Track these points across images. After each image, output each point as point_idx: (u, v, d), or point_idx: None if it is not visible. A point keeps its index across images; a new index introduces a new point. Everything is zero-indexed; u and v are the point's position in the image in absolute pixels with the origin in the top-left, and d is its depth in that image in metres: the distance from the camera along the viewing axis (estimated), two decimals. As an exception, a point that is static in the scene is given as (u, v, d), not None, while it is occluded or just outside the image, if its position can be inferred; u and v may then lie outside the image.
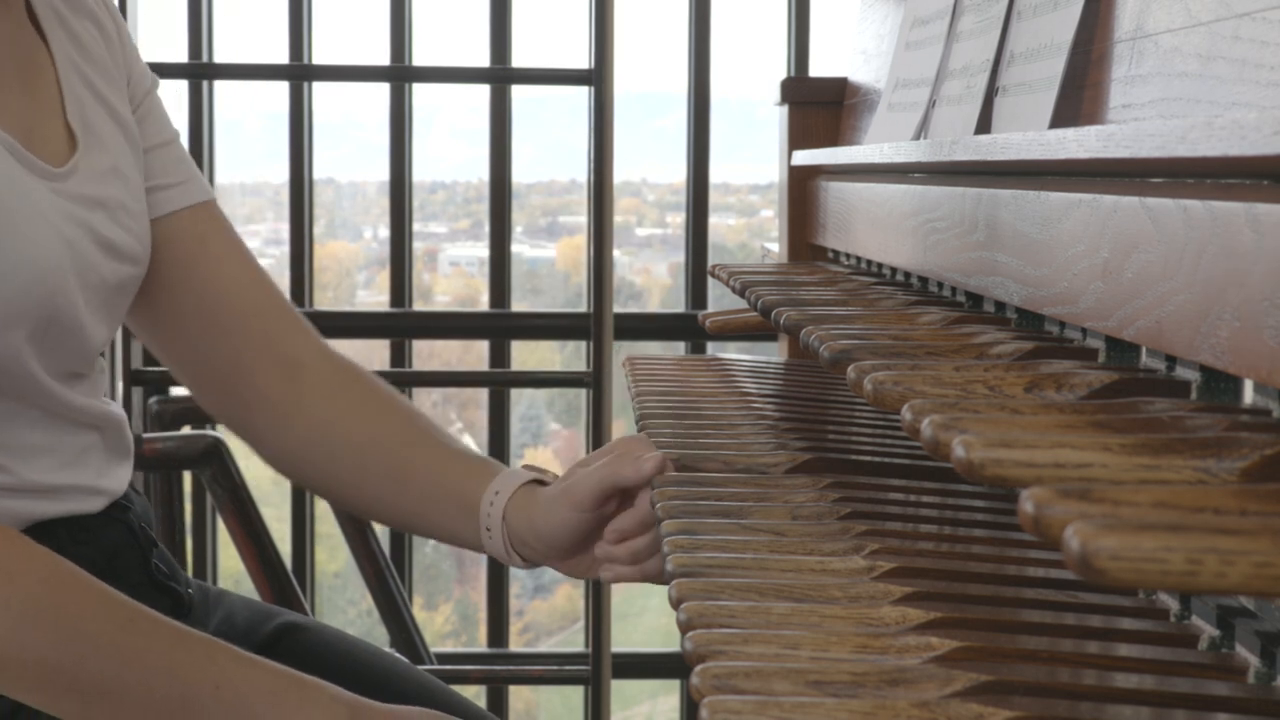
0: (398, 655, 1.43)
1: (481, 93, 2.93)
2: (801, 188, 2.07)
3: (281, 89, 2.90)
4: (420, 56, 2.91)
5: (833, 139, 2.07)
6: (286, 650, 1.33)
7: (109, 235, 1.24)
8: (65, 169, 1.22)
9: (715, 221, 3.03)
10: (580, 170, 2.85)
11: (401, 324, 2.93)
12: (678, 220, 3.21)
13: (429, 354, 3.81)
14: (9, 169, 1.16)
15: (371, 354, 3.56)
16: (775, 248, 2.22)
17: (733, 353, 2.52)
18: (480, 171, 2.95)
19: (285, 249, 2.93)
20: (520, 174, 2.94)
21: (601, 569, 1.28)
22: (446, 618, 5.46)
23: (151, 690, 1.07)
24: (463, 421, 6.08)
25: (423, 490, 1.33)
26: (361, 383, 1.38)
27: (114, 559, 1.22)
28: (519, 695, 3.40)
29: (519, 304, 3.00)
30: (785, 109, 2.15)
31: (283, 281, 2.99)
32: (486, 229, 2.94)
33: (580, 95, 2.82)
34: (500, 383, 2.98)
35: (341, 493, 1.35)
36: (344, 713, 1.11)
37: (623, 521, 1.26)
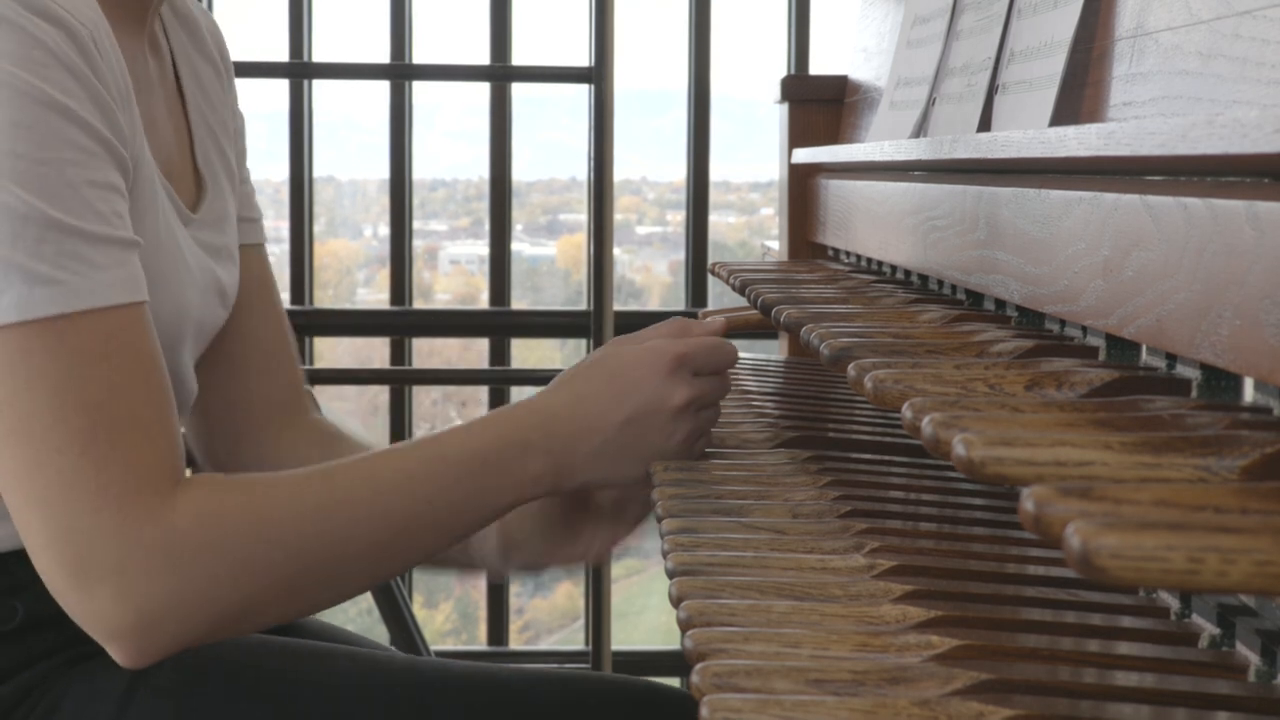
0: (361, 638, 1.44)
1: (482, 90, 2.93)
2: (802, 186, 2.06)
3: (281, 87, 2.90)
4: (420, 54, 2.91)
5: (833, 137, 2.07)
6: None
7: (225, 283, 1.28)
8: (198, 216, 1.24)
9: (715, 219, 3.03)
10: (580, 168, 2.85)
11: (402, 322, 2.93)
12: (678, 218, 3.21)
13: (429, 352, 3.80)
14: (168, 216, 1.18)
15: (372, 352, 3.56)
16: (775, 246, 2.22)
17: (733, 351, 2.51)
18: (480, 169, 2.95)
19: (285, 247, 2.93)
20: (520, 172, 2.94)
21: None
22: (447, 616, 5.45)
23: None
24: (463, 420, 6.06)
25: None
26: (346, 439, 1.42)
27: None
28: (519, 693, 3.40)
29: (519, 302, 3.00)
30: (785, 107, 2.15)
31: (283, 279, 2.99)
32: (487, 227, 2.94)
33: (580, 93, 2.82)
34: (500, 381, 2.98)
35: None
36: (544, 474, 1.13)
37: None
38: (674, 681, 3.16)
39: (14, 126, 0.99)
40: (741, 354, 1.96)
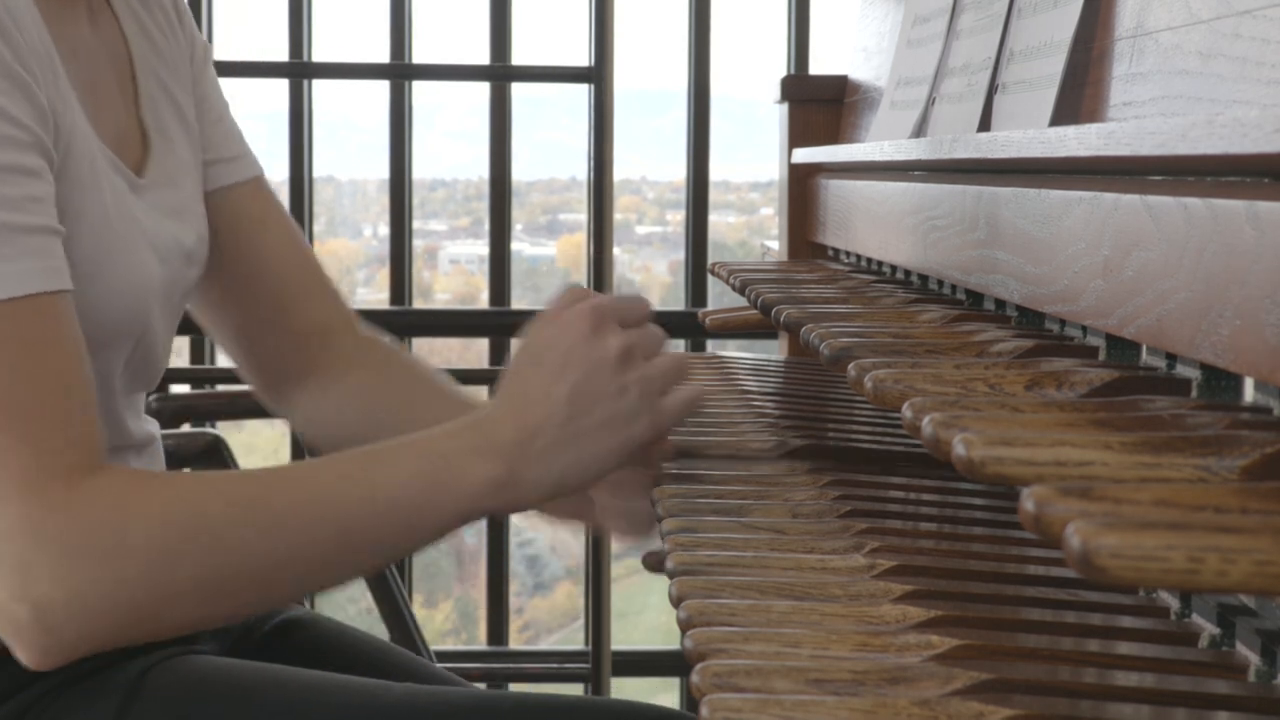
0: (399, 648, 1.42)
1: (482, 90, 2.93)
2: (802, 185, 2.06)
3: (281, 87, 2.90)
4: (420, 54, 2.91)
5: (833, 137, 2.07)
6: (290, 646, 1.32)
7: (187, 244, 1.24)
8: (146, 179, 1.20)
9: (715, 219, 3.03)
10: (580, 168, 2.85)
11: (402, 322, 2.93)
12: (678, 218, 3.21)
13: (429, 352, 3.80)
14: (116, 187, 1.14)
15: (371, 352, 3.55)
16: (775, 245, 2.22)
17: (733, 350, 2.51)
18: (480, 169, 2.95)
19: (285, 247, 2.92)
20: (520, 172, 2.94)
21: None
22: (446, 615, 5.46)
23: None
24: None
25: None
26: (390, 354, 1.40)
27: None
28: (519, 693, 3.40)
29: (519, 302, 3.00)
30: (785, 106, 2.15)
31: (283, 279, 2.99)
32: (486, 227, 2.94)
33: (580, 93, 2.82)
34: (500, 381, 2.97)
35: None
36: (497, 478, 1.04)
37: None
38: (674, 681, 3.16)
39: None
40: (741, 354, 1.96)
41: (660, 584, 0.93)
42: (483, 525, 3.02)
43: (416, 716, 1.12)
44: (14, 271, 0.98)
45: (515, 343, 1.15)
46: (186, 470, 1.06)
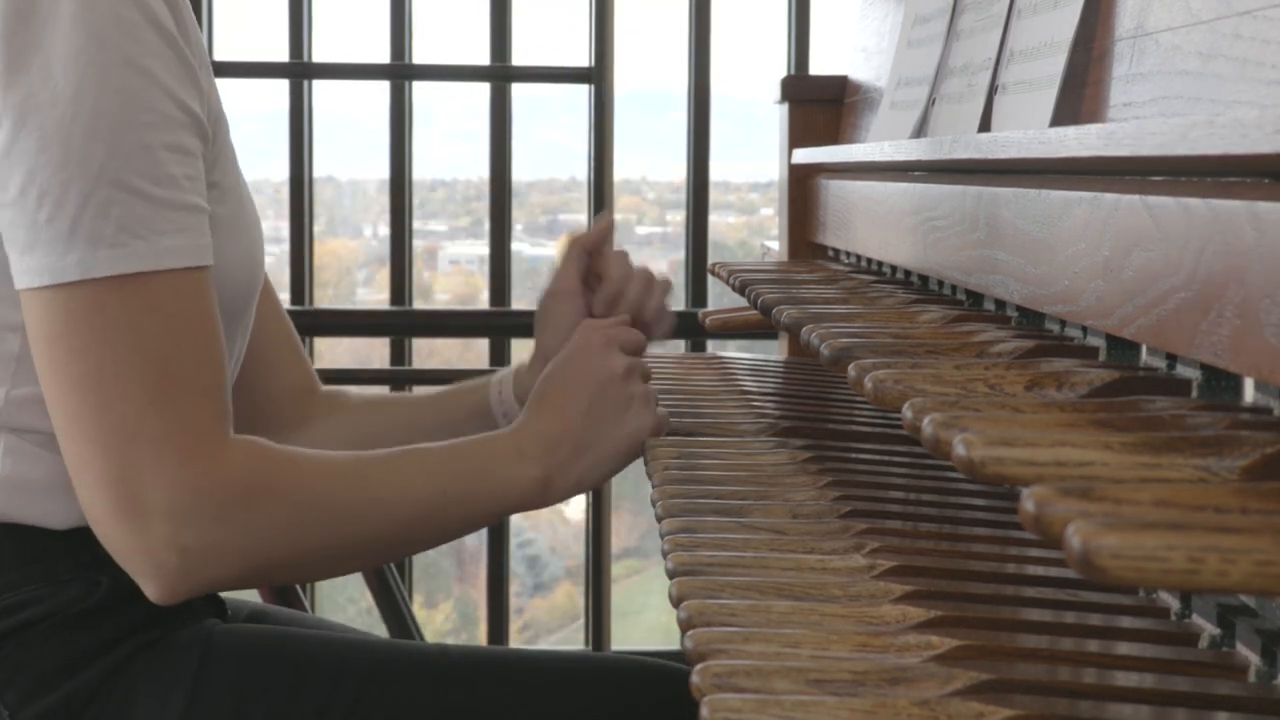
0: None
1: (482, 90, 2.93)
2: (802, 186, 2.06)
3: (281, 87, 2.90)
4: (420, 54, 2.91)
5: (833, 137, 2.07)
6: None
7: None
8: None
9: (715, 219, 3.03)
10: (580, 168, 2.85)
11: (401, 322, 2.93)
12: (678, 218, 3.21)
13: (429, 352, 3.80)
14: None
15: (371, 352, 3.55)
16: (775, 246, 2.22)
17: (733, 350, 2.51)
18: (480, 169, 2.94)
19: (285, 247, 2.93)
20: (520, 172, 2.94)
21: None
22: (446, 616, 5.45)
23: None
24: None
25: (436, 411, 1.48)
26: (356, 396, 1.55)
27: None
28: (519, 693, 3.39)
29: (519, 302, 3.00)
30: (785, 107, 2.15)
31: (283, 279, 2.99)
32: (486, 227, 2.94)
33: (580, 93, 2.82)
34: (500, 381, 2.97)
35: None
36: (538, 478, 1.23)
37: (598, 293, 1.44)
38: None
39: (101, 86, 1.04)
40: (741, 354, 1.96)
41: (660, 584, 0.93)
42: (483, 525, 3.02)
43: (447, 666, 1.26)
44: (175, 246, 1.08)
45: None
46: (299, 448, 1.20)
